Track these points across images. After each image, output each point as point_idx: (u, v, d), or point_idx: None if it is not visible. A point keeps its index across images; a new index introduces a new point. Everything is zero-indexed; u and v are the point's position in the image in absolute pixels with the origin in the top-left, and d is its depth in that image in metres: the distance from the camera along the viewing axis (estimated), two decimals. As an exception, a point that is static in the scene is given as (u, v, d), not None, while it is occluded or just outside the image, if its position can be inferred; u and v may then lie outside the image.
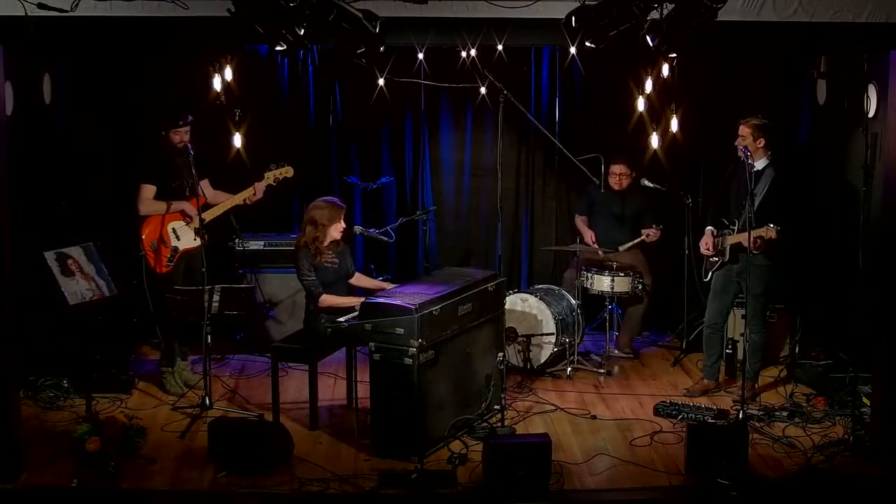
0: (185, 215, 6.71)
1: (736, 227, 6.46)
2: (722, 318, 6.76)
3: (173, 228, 6.71)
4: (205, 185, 6.78)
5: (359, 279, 6.61)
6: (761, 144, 6.36)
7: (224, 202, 6.83)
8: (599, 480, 5.49)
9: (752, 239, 6.14)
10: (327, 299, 6.22)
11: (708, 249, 6.61)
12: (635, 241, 7.52)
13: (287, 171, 6.90)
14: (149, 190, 6.64)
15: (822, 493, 5.37)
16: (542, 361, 7.17)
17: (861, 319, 6.35)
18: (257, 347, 7.53)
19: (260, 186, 6.83)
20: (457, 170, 8.36)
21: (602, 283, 7.35)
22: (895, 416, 5.64)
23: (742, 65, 7.67)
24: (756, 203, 6.24)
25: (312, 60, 8.00)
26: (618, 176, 7.56)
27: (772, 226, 6.16)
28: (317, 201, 6.35)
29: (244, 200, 6.85)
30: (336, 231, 6.30)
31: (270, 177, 6.86)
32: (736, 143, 6.37)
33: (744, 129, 6.37)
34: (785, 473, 5.53)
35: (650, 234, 7.47)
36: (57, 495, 5.28)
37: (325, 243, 6.29)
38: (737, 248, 6.44)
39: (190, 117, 6.62)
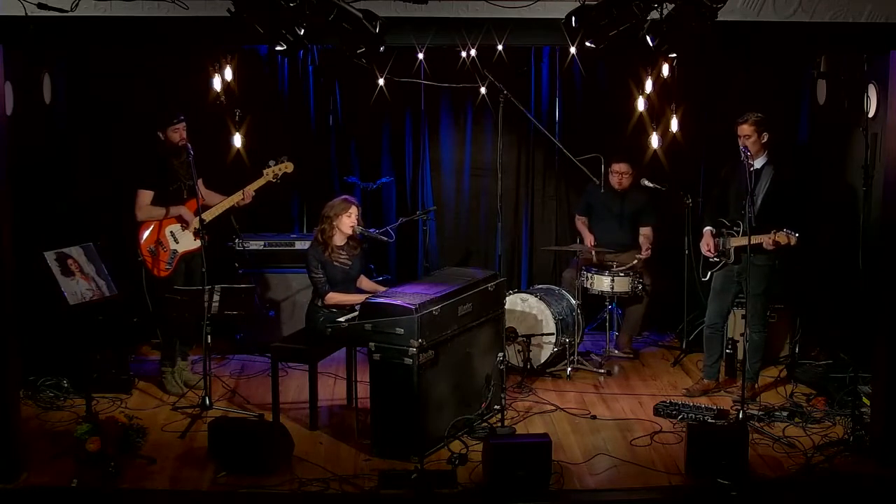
0: (181, 221, 6.70)
1: (740, 229, 6.44)
2: (722, 318, 6.75)
3: (171, 231, 6.70)
4: (198, 185, 6.75)
5: (360, 281, 6.62)
6: (765, 139, 6.36)
7: (218, 204, 6.80)
8: (599, 480, 5.49)
9: (768, 242, 6.15)
10: (334, 297, 6.27)
11: (709, 251, 6.60)
12: (631, 263, 7.43)
13: (287, 167, 6.84)
14: (146, 195, 6.62)
15: (822, 493, 5.37)
16: (542, 361, 7.17)
17: (861, 319, 6.34)
18: (257, 347, 7.53)
19: (249, 192, 6.77)
20: (457, 170, 8.36)
21: (602, 283, 7.35)
22: (895, 416, 5.64)
23: (742, 65, 7.67)
24: (757, 203, 6.25)
25: (312, 60, 7.99)
26: (619, 175, 7.55)
27: (787, 231, 6.15)
28: (332, 200, 6.45)
29: (235, 204, 6.82)
30: (346, 225, 6.33)
31: (270, 173, 6.80)
32: (741, 144, 6.33)
33: (745, 129, 6.34)
34: (785, 473, 5.53)
35: (639, 260, 7.44)
36: (57, 495, 5.28)
37: (336, 238, 6.34)
38: (740, 249, 6.42)
39: (181, 115, 6.60)
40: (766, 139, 6.36)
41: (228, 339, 7.66)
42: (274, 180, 6.85)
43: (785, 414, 6.28)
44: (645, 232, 7.63)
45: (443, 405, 5.81)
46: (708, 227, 6.65)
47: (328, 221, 6.33)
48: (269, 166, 6.82)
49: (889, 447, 5.60)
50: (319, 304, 6.32)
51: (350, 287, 6.43)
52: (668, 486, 5.41)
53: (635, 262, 7.43)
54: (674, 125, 7.55)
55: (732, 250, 6.49)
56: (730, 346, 6.99)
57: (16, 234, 5.54)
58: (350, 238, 6.42)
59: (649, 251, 7.49)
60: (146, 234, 6.65)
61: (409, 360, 5.55)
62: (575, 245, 7.70)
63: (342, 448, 5.89)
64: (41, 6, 4.84)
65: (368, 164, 8.23)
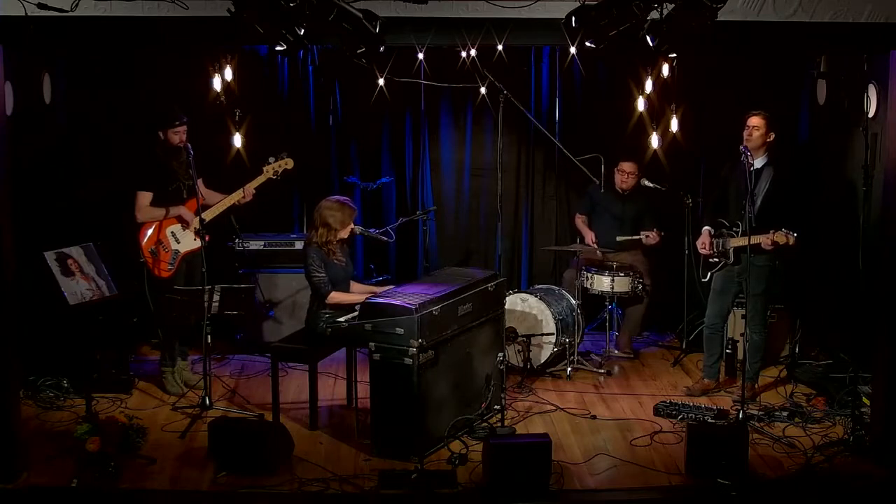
0: (181, 221, 6.70)
1: (740, 230, 6.44)
2: (722, 319, 6.75)
3: (172, 232, 6.70)
4: (198, 185, 6.75)
5: (352, 287, 6.59)
6: (771, 138, 6.36)
7: (218, 203, 6.80)
8: (599, 480, 5.49)
9: (766, 242, 6.15)
10: (336, 296, 6.23)
11: (705, 249, 6.60)
12: (634, 237, 7.52)
13: (287, 163, 6.81)
14: (146, 197, 6.62)
15: (822, 493, 5.37)
16: (542, 361, 7.17)
17: (861, 319, 6.35)
18: (257, 347, 7.53)
19: (249, 189, 6.77)
20: (457, 170, 8.36)
21: (602, 283, 7.35)
22: (895, 416, 5.64)
23: (742, 65, 7.67)
24: (757, 203, 6.24)
25: (312, 60, 8.00)
26: (625, 174, 7.55)
27: (785, 231, 6.15)
28: (329, 201, 6.31)
29: (236, 202, 6.82)
30: (345, 232, 6.31)
31: (269, 170, 6.79)
32: (746, 135, 6.34)
33: (757, 120, 6.33)
34: (785, 473, 5.53)
35: (650, 236, 7.48)
36: (57, 495, 5.28)
37: (335, 243, 6.31)
38: (740, 249, 6.42)
39: (185, 117, 6.60)
40: (771, 138, 6.37)
41: (228, 339, 7.67)
42: (274, 177, 6.83)
43: (785, 414, 6.28)
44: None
45: (443, 405, 5.81)
46: (706, 227, 6.65)
47: (332, 232, 6.24)
48: (269, 163, 6.81)
49: (889, 447, 5.61)
50: (320, 308, 6.28)
51: (347, 286, 6.42)
52: (668, 486, 5.41)
53: (640, 237, 7.46)
54: (674, 125, 7.55)
55: (732, 251, 6.48)
56: (730, 346, 6.99)
57: (16, 233, 5.54)
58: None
59: (658, 238, 7.48)
60: (147, 235, 6.65)
61: (409, 360, 5.55)
62: (575, 245, 7.70)
63: (342, 448, 5.89)
64: (41, 6, 4.85)
65: (368, 164, 8.23)
